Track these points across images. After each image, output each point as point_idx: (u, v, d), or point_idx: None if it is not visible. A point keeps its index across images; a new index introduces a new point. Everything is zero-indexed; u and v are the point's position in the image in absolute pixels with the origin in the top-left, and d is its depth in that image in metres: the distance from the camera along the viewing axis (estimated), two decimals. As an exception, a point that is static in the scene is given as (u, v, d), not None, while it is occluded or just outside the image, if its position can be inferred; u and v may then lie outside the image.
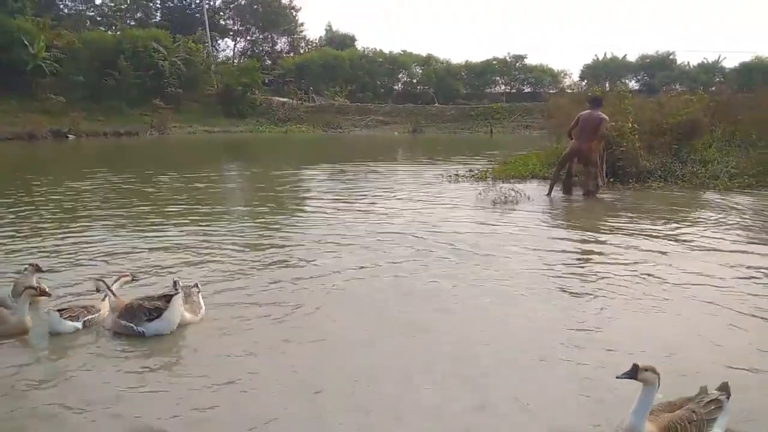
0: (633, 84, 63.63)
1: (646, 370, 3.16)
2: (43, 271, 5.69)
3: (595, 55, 70.14)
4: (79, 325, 4.87)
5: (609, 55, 67.04)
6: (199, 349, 4.65)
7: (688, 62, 65.19)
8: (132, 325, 4.85)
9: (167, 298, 4.89)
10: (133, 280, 5.70)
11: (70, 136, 37.40)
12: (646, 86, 60.00)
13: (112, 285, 5.33)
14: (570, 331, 4.91)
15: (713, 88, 38.61)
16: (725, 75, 59.39)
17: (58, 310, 4.82)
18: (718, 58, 63.78)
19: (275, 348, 4.65)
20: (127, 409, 3.70)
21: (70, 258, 7.21)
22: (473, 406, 3.73)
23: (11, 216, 10.17)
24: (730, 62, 69.39)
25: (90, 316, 4.98)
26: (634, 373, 3.15)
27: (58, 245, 7.91)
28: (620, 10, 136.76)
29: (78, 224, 9.54)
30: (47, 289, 5.15)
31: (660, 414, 3.29)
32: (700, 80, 56.56)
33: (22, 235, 8.66)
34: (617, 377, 3.23)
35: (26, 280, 5.41)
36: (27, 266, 5.63)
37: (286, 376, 4.18)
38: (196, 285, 5.46)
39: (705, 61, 64.09)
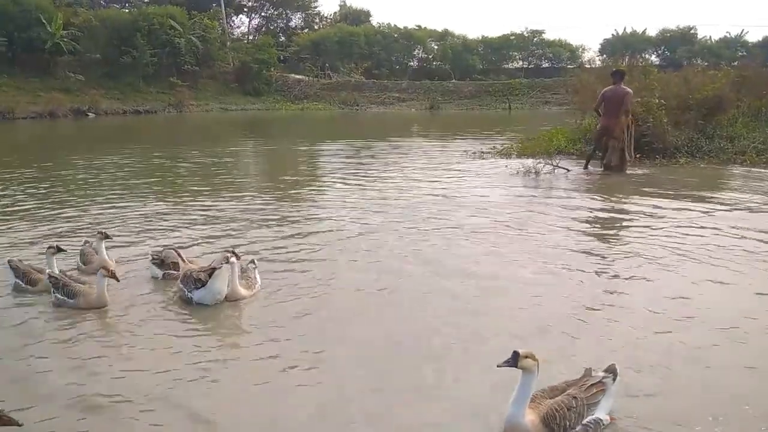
0: (654, 59, 62.79)
1: (526, 357, 3.00)
2: (110, 238, 6.01)
3: (615, 29, 69.34)
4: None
5: (629, 30, 66.13)
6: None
7: (710, 36, 64.20)
8: (185, 290, 5.15)
9: (212, 271, 5.10)
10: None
11: (89, 114, 37.79)
12: (666, 61, 59.08)
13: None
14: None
15: (737, 63, 38.05)
16: (748, 49, 58.31)
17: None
18: (741, 32, 62.74)
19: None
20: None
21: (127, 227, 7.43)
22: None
23: (61, 188, 10.47)
24: (753, 36, 68.20)
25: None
26: (514, 360, 2.99)
27: (98, 216, 8.15)
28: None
29: (131, 196, 9.85)
30: (117, 275, 5.25)
31: (542, 401, 3.14)
32: (723, 55, 55.60)
33: (80, 205, 8.90)
34: (498, 365, 3.04)
35: (94, 250, 6.01)
36: (97, 233, 5.95)
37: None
38: (252, 261, 5.61)
39: (728, 35, 63.07)
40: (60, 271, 5.35)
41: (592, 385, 3.23)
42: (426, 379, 3.82)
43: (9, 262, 5.57)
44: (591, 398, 3.17)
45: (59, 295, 4.98)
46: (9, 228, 7.77)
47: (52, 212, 8.77)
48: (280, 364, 4.03)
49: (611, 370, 3.34)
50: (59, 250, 5.73)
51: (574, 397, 3.14)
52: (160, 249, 6.03)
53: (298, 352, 4.18)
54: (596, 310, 4.92)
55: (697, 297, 5.14)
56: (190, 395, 3.61)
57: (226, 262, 5.17)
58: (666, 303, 5.00)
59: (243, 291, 5.23)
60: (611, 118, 12.04)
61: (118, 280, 5.03)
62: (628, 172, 12.19)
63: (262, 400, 3.60)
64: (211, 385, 3.75)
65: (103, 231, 5.96)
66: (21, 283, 5.40)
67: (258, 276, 5.48)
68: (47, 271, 5.30)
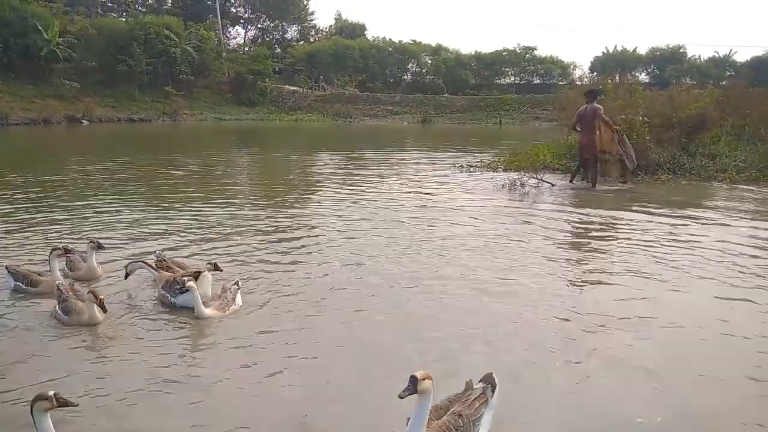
0: (643, 77, 63.63)
1: (424, 379, 2.81)
2: (102, 248, 6.13)
3: (605, 47, 70.18)
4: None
5: (619, 48, 67.06)
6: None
7: (699, 56, 65.25)
8: (167, 295, 5.32)
9: (197, 275, 5.33)
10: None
11: (84, 121, 37.93)
12: (656, 79, 59.90)
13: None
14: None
15: (725, 82, 38.73)
16: (737, 69, 59.21)
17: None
18: (729, 52, 63.79)
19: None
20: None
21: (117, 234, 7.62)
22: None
23: (51, 194, 10.62)
24: (742, 56, 69.26)
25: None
26: (414, 386, 2.78)
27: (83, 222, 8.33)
28: (631, 3, 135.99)
29: (121, 202, 9.99)
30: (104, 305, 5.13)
31: (431, 423, 2.95)
32: (711, 74, 56.54)
33: (70, 210, 9.08)
34: (399, 396, 2.80)
35: (80, 257, 6.19)
36: (89, 242, 6.03)
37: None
38: (236, 282, 5.46)
39: (716, 54, 64.10)
40: (69, 283, 5.34)
41: (475, 399, 3.14)
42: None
43: (6, 267, 5.69)
44: (475, 413, 3.08)
45: (58, 309, 4.93)
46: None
47: (40, 217, 8.94)
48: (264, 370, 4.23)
49: (488, 380, 3.26)
50: (66, 251, 5.89)
51: (460, 415, 3.03)
52: (130, 261, 5.93)
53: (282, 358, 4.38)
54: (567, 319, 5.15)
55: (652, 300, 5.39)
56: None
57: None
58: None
59: (209, 312, 5.04)
60: (587, 135, 12.47)
61: (105, 311, 4.84)
62: (607, 187, 12.50)
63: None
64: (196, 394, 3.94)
65: (96, 240, 6.03)
66: (21, 285, 5.51)
67: (239, 297, 5.30)
68: (56, 282, 5.27)
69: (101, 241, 6.16)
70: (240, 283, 5.49)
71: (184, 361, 4.27)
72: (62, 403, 2.92)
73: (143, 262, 5.83)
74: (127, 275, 5.67)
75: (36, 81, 40.41)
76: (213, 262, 5.79)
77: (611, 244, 7.89)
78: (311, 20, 71.45)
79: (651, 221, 9.11)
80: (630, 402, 3.74)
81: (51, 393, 2.93)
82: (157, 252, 6.20)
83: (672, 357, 4.39)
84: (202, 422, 3.47)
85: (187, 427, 3.44)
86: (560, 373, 4.13)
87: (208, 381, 3.95)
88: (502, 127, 45.11)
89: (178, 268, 5.80)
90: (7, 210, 9.43)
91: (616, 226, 8.94)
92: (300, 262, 6.68)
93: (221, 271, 5.74)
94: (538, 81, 65.59)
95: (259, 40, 67.75)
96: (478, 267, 6.53)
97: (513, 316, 5.13)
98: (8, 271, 5.65)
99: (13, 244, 7.32)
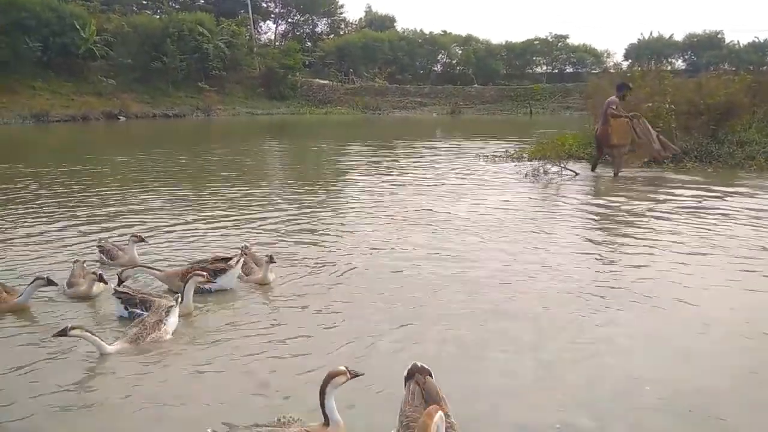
0: (680, 63, 62.36)
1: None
2: (144, 241, 6.58)
3: (641, 34, 68.85)
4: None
5: (655, 35, 65.71)
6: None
7: (738, 41, 63.37)
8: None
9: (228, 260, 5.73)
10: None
11: (121, 117, 39.01)
12: (693, 66, 58.58)
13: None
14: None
15: (765, 68, 37.63)
16: (778, 54, 57.48)
17: None
18: (770, 36, 61.78)
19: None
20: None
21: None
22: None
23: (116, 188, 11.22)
24: (783, 41, 66.86)
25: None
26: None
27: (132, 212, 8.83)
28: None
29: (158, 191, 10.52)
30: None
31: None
32: (751, 60, 54.91)
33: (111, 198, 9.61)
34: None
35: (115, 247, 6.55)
36: (131, 236, 6.52)
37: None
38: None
39: (756, 40, 62.16)
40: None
41: None
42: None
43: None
44: None
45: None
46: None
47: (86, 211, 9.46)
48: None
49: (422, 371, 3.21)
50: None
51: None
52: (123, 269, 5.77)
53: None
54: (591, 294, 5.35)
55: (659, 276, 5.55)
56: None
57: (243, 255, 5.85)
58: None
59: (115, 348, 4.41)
60: (601, 126, 12.53)
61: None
62: (626, 174, 12.47)
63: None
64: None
65: (138, 234, 6.46)
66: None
67: (173, 318, 4.79)
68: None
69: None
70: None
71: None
72: (352, 375, 3.14)
73: (141, 265, 5.96)
74: (120, 282, 5.33)
75: (74, 79, 41.69)
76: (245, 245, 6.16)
77: (626, 230, 8.02)
78: (341, 13, 71.77)
79: (665, 208, 9.18)
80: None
81: (344, 367, 3.14)
82: (245, 245, 6.35)
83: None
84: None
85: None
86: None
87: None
88: (532, 117, 44.77)
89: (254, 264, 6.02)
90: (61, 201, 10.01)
91: (630, 213, 9.04)
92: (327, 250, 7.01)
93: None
94: (571, 70, 64.65)
95: (290, 35, 68.35)
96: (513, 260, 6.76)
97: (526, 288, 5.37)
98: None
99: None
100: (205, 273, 5.21)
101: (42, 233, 7.76)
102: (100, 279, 5.36)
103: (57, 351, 4.33)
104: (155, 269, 5.85)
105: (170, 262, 6.46)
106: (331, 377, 3.08)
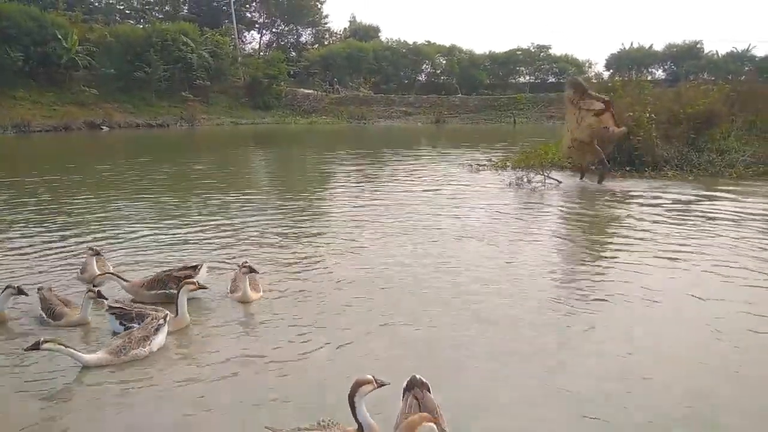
0: (660, 73, 63.28)
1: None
2: (100, 255, 6.26)
3: (622, 44, 69.87)
4: None
5: (635, 45, 66.68)
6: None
7: (716, 51, 64.42)
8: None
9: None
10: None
11: (104, 127, 38.69)
12: (672, 75, 59.43)
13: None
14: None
15: (743, 78, 38.26)
16: (756, 63, 58.43)
17: None
18: (748, 47, 62.99)
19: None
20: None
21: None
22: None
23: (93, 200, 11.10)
24: (762, 50, 68.28)
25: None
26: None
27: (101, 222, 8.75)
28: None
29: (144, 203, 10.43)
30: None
31: None
32: (729, 69, 55.85)
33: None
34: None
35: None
36: (88, 249, 6.30)
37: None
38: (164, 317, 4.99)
39: (734, 50, 63.25)
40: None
41: None
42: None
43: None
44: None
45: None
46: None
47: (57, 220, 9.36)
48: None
49: (419, 384, 3.20)
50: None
51: None
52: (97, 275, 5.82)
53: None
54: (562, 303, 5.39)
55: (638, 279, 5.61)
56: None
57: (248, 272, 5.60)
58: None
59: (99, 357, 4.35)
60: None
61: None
62: (605, 183, 12.63)
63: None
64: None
65: (94, 248, 6.23)
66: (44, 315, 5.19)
67: (161, 336, 4.70)
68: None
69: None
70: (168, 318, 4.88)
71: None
72: (380, 384, 3.11)
73: (112, 273, 5.84)
74: (96, 288, 5.18)
75: (56, 88, 41.34)
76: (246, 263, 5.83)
77: (608, 235, 8.10)
78: (325, 23, 72.10)
79: (647, 214, 9.29)
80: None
81: (370, 376, 3.11)
82: (243, 262, 5.88)
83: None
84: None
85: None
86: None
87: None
88: (516, 127, 45.12)
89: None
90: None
91: (612, 220, 9.14)
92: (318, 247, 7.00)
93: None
94: (553, 80, 65.26)
95: (274, 44, 68.47)
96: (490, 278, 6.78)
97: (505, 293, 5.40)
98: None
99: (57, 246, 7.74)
100: (195, 281, 5.15)
101: (25, 244, 7.66)
102: (99, 296, 5.05)
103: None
104: (123, 279, 5.71)
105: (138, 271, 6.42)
106: (358, 386, 3.08)
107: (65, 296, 5.47)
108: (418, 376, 3.19)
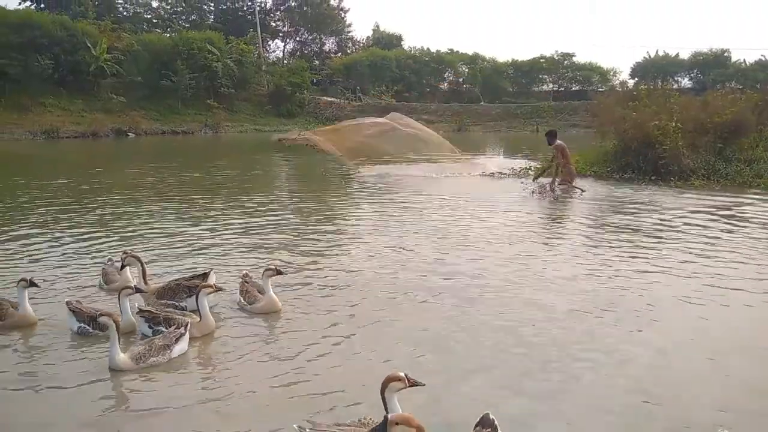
0: (686, 82, 62.39)
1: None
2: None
3: (647, 52, 69.06)
4: None
5: (661, 53, 65.90)
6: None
7: (744, 60, 63.40)
8: (244, 301, 5.63)
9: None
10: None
11: (130, 134, 39.37)
12: (699, 84, 58.59)
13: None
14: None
15: (770, 86, 37.57)
16: (785, 72, 57.38)
17: None
18: (777, 54, 61.82)
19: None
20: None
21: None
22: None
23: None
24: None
25: None
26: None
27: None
28: (674, 7, 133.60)
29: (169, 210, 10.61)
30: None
31: None
32: (757, 78, 54.88)
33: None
34: None
35: (116, 269, 6.25)
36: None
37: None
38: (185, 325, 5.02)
39: (762, 58, 62.15)
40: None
41: None
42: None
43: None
44: None
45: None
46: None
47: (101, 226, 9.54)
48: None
49: (488, 424, 3.03)
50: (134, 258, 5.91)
51: None
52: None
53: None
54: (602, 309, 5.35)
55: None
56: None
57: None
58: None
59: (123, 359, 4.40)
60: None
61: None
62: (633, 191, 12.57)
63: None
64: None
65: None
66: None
67: (183, 344, 4.74)
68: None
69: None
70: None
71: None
72: (412, 383, 3.07)
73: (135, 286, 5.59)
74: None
75: (85, 96, 42.18)
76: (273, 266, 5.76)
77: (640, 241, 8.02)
78: (349, 32, 72.61)
79: (674, 224, 9.17)
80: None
81: (402, 374, 3.07)
82: (244, 272, 6.03)
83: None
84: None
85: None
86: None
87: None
88: (539, 135, 44.78)
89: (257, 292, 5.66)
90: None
91: (639, 228, 9.03)
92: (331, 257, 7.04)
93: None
94: (577, 88, 64.86)
95: (298, 53, 69.08)
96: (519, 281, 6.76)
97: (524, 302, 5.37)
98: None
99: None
100: (211, 284, 5.22)
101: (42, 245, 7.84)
102: (137, 291, 5.30)
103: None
104: (143, 288, 5.58)
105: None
106: (388, 381, 3.04)
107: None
108: (491, 416, 3.07)
